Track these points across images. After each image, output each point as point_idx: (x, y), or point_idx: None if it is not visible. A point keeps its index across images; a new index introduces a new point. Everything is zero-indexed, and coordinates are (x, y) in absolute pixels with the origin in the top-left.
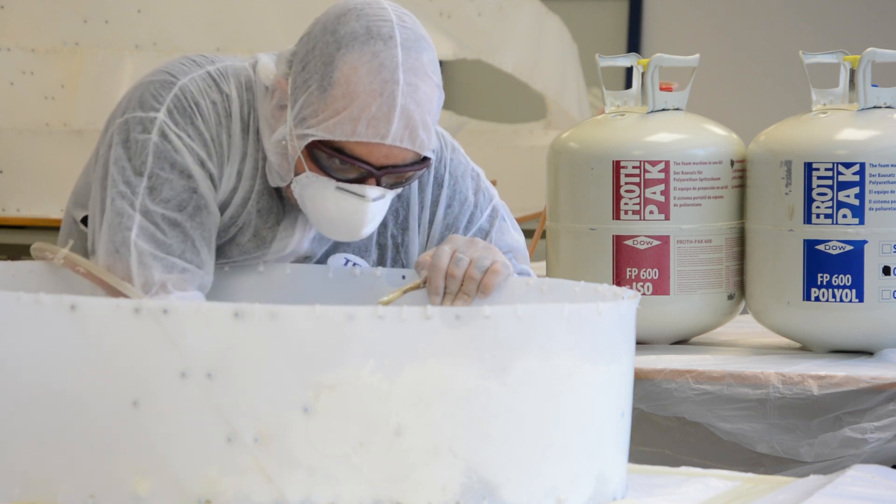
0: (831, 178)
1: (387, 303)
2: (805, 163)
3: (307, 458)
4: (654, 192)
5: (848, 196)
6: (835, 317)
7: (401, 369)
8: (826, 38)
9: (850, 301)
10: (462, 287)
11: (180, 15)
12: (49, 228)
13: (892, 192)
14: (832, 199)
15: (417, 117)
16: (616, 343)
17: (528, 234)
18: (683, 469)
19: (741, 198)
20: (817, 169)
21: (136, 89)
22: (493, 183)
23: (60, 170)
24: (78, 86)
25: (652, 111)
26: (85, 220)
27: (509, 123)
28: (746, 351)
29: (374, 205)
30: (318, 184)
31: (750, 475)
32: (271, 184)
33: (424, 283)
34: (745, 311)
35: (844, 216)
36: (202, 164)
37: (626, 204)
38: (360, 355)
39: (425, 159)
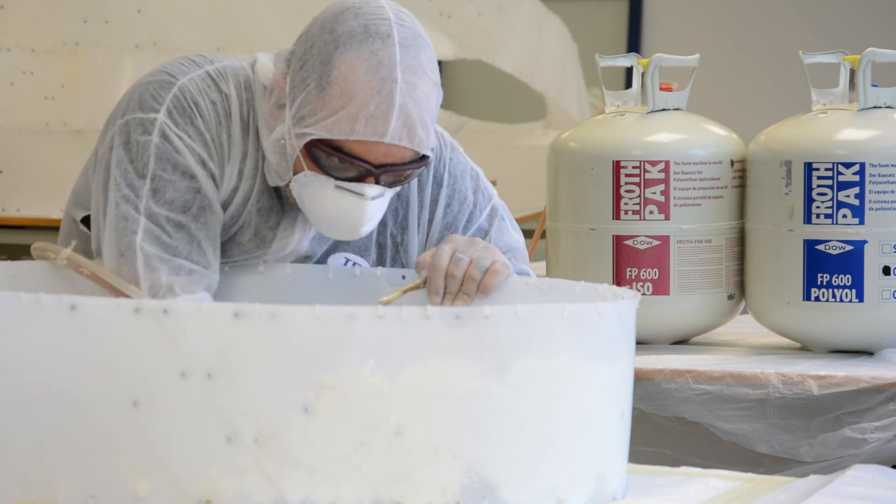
0: (831, 178)
1: (387, 303)
2: (805, 163)
3: (307, 458)
4: (654, 192)
5: (848, 196)
6: (835, 317)
7: (401, 369)
8: (826, 38)
9: (850, 301)
10: (462, 287)
11: (180, 15)
12: (49, 228)
13: (892, 192)
14: (832, 199)
15: (416, 116)
16: (616, 343)
17: (527, 234)
18: (683, 469)
19: (741, 198)
20: (817, 169)
21: (135, 90)
22: (493, 183)
23: (60, 170)
24: (78, 86)
25: (652, 111)
26: (85, 220)
27: (509, 123)
28: (746, 351)
29: (373, 203)
30: (316, 183)
31: (750, 475)
32: (270, 183)
33: (424, 283)
34: (745, 311)
35: (844, 216)
36: (203, 165)
37: (626, 204)
38: (360, 355)
39: (424, 158)
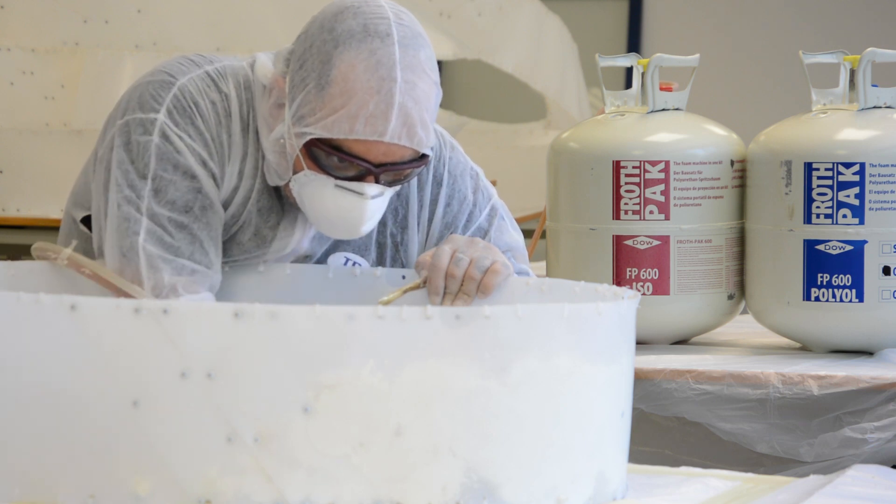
0: (831, 178)
1: (387, 303)
2: (805, 163)
3: (307, 458)
4: (654, 192)
5: (848, 196)
6: (835, 317)
7: (401, 369)
8: (826, 38)
9: (850, 301)
10: (462, 287)
11: (180, 15)
12: (49, 228)
13: (892, 192)
14: (832, 199)
15: (415, 115)
16: (616, 343)
17: (527, 234)
18: (683, 469)
19: (741, 198)
20: (817, 169)
21: (134, 90)
22: (493, 183)
23: (60, 170)
24: (78, 86)
25: (652, 111)
26: (85, 221)
27: (509, 123)
28: (746, 351)
29: (373, 202)
30: (316, 182)
31: (750, 475)
32: (270, 183)
33: (424, 283)
34: (745, 311)
35: (844, 216)
36: (204, 164)
37: (626, 204)
38: (360, 355)
39: (423, 157)
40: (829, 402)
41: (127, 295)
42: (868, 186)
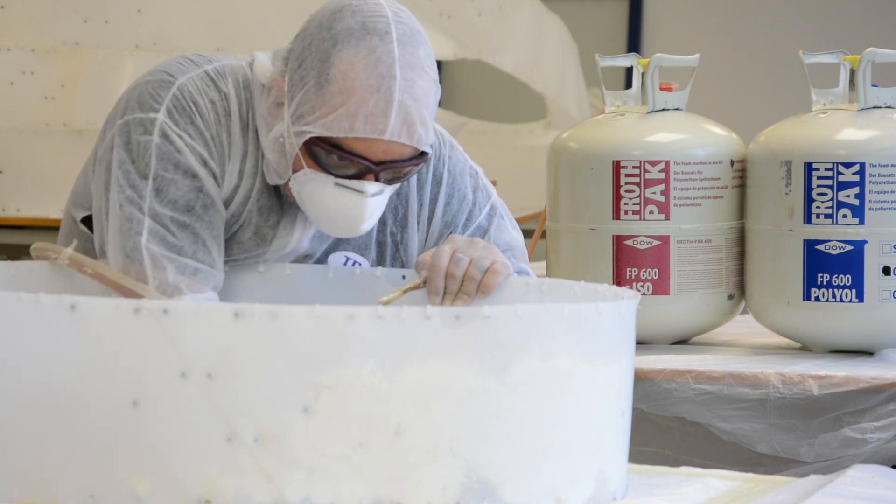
0: (831, 178)
1: (387, 303)
2: (805, 163)
3: (307, 458)
4: (654, 192)
5: (848, 196)
6: (835, 317)
7: (401, 369)
8: (826, 38)
9: (850, 301)
10: (462, 287)
11: (180, 15)
12: (49, 228)
13: (892, 192)
14: (832, 199)
15: (415, 112)
16: (616, 343)
17: (527, 234)
18: (683, 469)
19: (741, 198)
20: (817, 169)
21: (134, 89)
22: (493, 183)
23: (60, 170)
24: (78, 86)
25: (652, 111)
26: (85, 220)
27: (509, 123)
28: (746, 351)
29: (373, 200)
30: (316, 180)
31: (750, 475)
32: (269, 181)
33: (424, 282)
34: (745, 311)
35: (844, 216)
36: (205, 163)
37: (626, 204)
38: (360, 355)
39: (423, 154)
40: (829, 402)
41: (132, 293)
42: (868, 186)
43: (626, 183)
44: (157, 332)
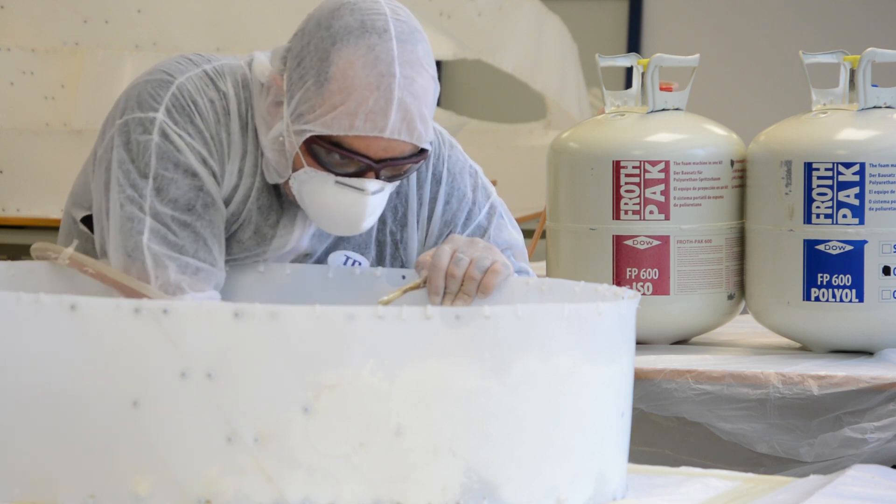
0: (831, 178)
1: (387, 303)
2: (805, 163)
3: (307, 458)
4: (654, 192)
5: (848, 196)
6: (835, 317)
7: (401, 369)
8: (826, 38)
9: (850, 301)
10: (462, 287)
11: (180, 15)
12: (49, 228)
13: (892, 192)
14: (832, 199)
15: (415, 110)
16: (616, 343)
17: (527, 234)
18: (683, 469)
19: (741, 198)
20: (817, 169)
21: (133, 89)
22: (493, 183)
23: (60, 170)
24: (78, 86)
25: (652, 111)
26: (84, 220)
27: (509, 123)
28: (746, 351)
29: (374, 198)
30: (316, 179)
31: (750, 475)
32: (269, 180)
33: (424, 282)
34: (745, 311)
35: (844, 216)
36: (204, 162)
37: (626, 204)
38: (360, 355)
39: (423, 151)
40: (829, 402)
41: (134, 291)
42: (868, 186)
43: (626, 183)
44: (157, 331)
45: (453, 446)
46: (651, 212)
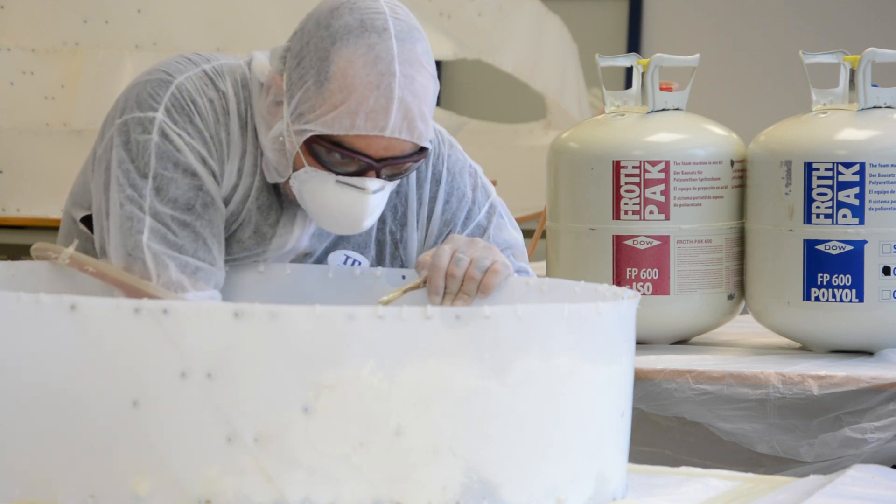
0: (831, 178)
1: (387, 303)
2: (805, 163)
3: (307, 458)
4: (654, 192)
5: (848, 196)
6: (835, 317)
7: (401, 369)
8: (826, 38)
9: (850, 301)
10: (462, 287)
11: (180, 15)
12: (49, 228)
13: (892, 192)
14: (832, 199)
15: (415, 108)
16: (616, 343)
17: (527, 234)
18: (683, 469)
19: (741, 198)
20: (817, 169)
21: (132, 89)
22: (493, 183)
23: (60, 170)
24: (78, 86)
25: (652, 111)
26: (84, 220)
27: (509, 123)
28: (746, 351)
29: (375, 197)
30: (317, 178)
31: (750, 475)
32: (269, 180)
33: (424, 282)
34: (745, 311)
35: (844, 216)
36: (204, 162)
37: (626, 204)
38: (360, 355)
39: (423, 150)
40: (829, 402)
41: (136, 290)
42: (868, 186)
43: (626, 183)
44: (157, 331)
45: (453, 446)
46: (651, 212)
